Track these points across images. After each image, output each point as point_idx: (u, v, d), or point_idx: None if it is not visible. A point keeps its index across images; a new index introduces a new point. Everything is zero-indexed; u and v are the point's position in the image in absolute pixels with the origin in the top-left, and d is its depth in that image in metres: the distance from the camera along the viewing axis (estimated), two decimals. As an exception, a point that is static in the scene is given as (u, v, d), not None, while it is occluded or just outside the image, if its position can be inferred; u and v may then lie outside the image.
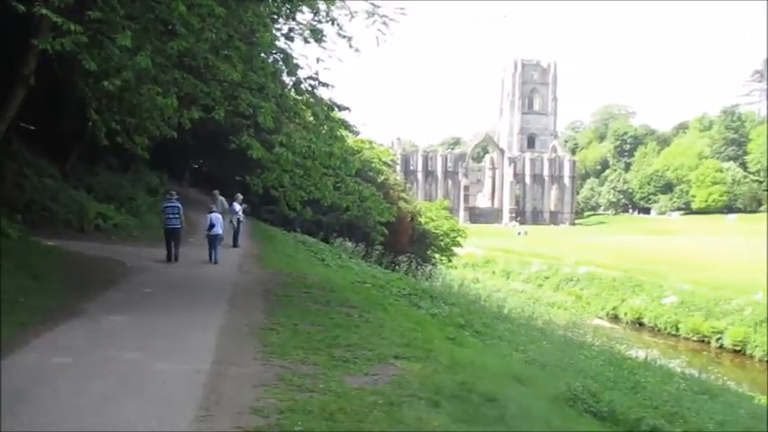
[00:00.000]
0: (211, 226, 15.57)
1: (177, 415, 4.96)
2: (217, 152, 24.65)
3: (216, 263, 15.36)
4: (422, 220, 34.27)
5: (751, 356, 28.57)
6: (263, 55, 12.27)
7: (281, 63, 12.49)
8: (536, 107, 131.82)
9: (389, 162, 39.03)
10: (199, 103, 12.94)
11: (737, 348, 29.21)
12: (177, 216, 15.07)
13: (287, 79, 12.84)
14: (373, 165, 29.88)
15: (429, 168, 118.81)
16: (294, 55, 12.22)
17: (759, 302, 30.90)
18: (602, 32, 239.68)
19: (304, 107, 13.37)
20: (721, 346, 30.08)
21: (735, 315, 30.74)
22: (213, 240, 15.52)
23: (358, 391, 5.72)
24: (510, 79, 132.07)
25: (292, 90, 12.92)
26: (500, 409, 5.71)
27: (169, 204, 15.32)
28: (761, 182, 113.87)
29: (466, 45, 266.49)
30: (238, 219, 18.49)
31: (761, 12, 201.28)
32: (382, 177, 29.89)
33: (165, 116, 13.15)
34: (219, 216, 16.16)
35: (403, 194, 32.94)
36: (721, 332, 30.29)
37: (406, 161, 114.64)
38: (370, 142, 33.56)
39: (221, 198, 19.23)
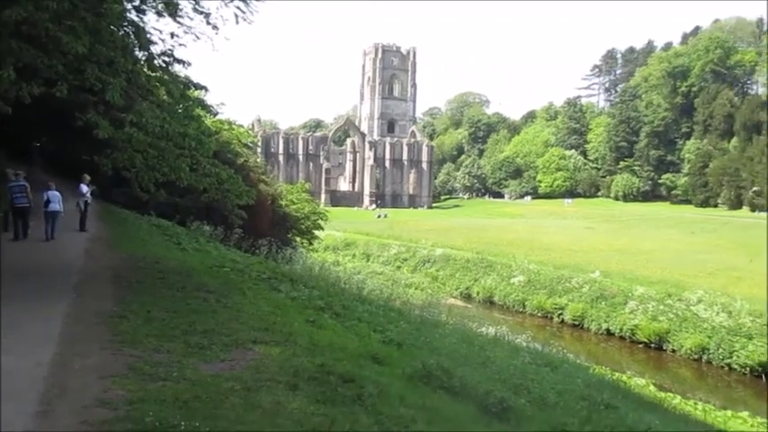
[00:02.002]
0: (47, 202, 15.35)
1: (16, 411, 4.61)
2: (62, 130, 22.95)
3: (52, 239, 15.13)
4: (283, 202, 33.91)
5: (588, 330, 31.05)
6: (112, 27, 11.52)
7: (132, 37, 11.78)
8: (396, 93, 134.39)
9: (249, 144, 38.23)
10: (40, 76, 11.95)
11: (576, 323, 31.65)
12: (24, 195, 15.00)
13: (139, 54, 12.16)
14: (232, 146, 29.11)
15: (290, 151, 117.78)
16: (147, 29, 11.59)
17: (595, 280, 33.61)
18: (460, 22, 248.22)
19: (158, 84, 12.74)
20: (562, 321, 32.46)
21: (574, 292, 33.25)
22: (49, 217, 15.29)
23: (214, 378, 5.60)
24: (371, 64, 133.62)
25: (145, 66, 12.26)
26: (357, 389, 5.81)
27: (15, 184, 15.20)
28: (599, 169, 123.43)
29: (328, 27, 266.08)
30: (86, 201, 17.36)
31: (603, 9, 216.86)
32: (242, 159, 29.19)
33: (1, 90, 12.03)
34: (57, 193, 15.77)
35: (263, 177, 32.38)
36: (563, 308, 32.68)
37: (266, 143, 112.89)
38: (230, 123, 32.61)
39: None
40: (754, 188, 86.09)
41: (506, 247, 46.64)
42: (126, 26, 11.65)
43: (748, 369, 24.06)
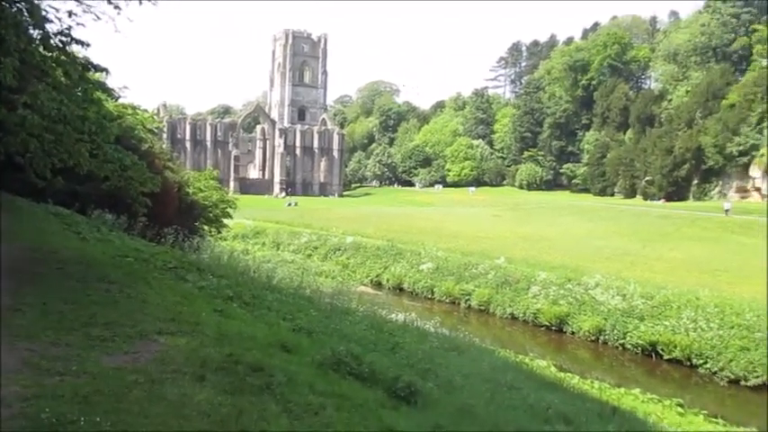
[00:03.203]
0: None
1: None
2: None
3: None
4: (190, 190, 32.97)
5: (493, 314, 32.03)
6: (3, 4, 10.83)
7: (25, 14, 11.13)
8: (307, 80, 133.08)
9: (155, 129, 36.86)
10: None
11: (482, 308, 32.58)
12: None
13: (33, 33, 11.49)
14: (136, 132, 28.00)
15: (198, 137, 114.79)
16: (43, 6, 10.96)
17: (501, 266, 34.68)
18: (372, 10, 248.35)
19: (54, 65, 12.09)
20: (469, 307, 33.32)
21: (480, 278, 34.18)
22: None
23: (116, 371, 5.42)
24: (281, 50, 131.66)
25: (40, 46, 11.60)
26: (266, 377, 5.79)
27: None
28: (504, 158, 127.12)
29: (237, 12, 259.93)
30: (-27, 188, 16.34)
31: (510, 2, 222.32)
32: (146, 145, 28.14)
33: None
34: None
35: (169, 164, 31.37)
36: (469, 294, 33.54)
37: (173, 129, 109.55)
38: (134, 108, 31.33)
39: None
40: (647, 178, 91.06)
41: (416, 235, 47.34)
42: (19, 3, 10.99)
43: (640, 349, 25.54)
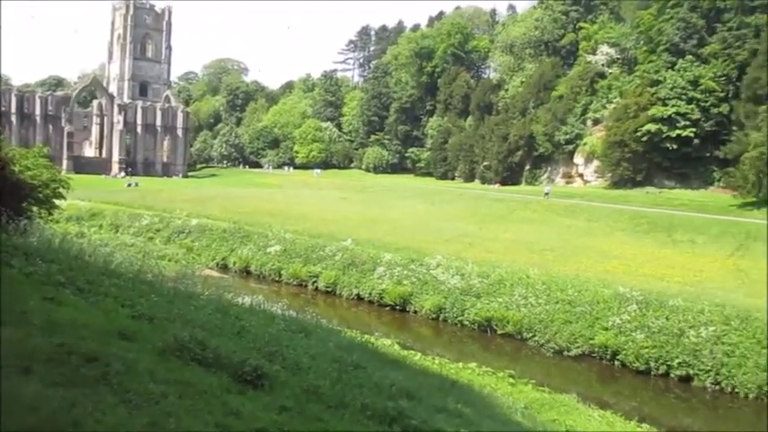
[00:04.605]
0: None
1: None
2: None
3: None
4: (16, 168, 30.20)
5: (340, 295, 32.53)
6: None
7: None
8: (149, 54, 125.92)
9: (-29, 100, 33.39)
10: None
11: (330, 289, 32.96)
12: None
13: None
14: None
15: (25, 111, 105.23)
16: None
17: (348, 248, 35.21)
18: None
19: None
20: (317, 289, 33.59)
21: (328, 260, 34.53)
22: None
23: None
24: (121, 21, 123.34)
25: None
26: (102, 367, 5.52)
27: None
28: (352, 141, 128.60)
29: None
30: None
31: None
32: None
33: None
34: None
35: (-11, 139, 28.58)
36: (317, 276, 33.79)
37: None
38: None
39: None
40: (485, 163, 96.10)
41: (264, 217, 46.81)
42: None
43: (476, 325, 27.12)
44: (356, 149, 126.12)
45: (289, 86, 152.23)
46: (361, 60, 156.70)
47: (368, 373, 10.22)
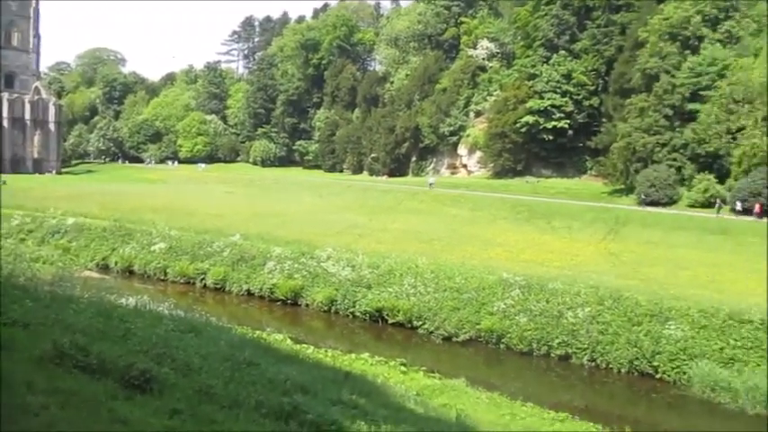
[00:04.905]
0: None
1: None
2: None
3: None
4: None
5: (230, 292, 31.91)
6: None
7: None
8: (15, 42, 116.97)
9: None
10: None
11: (218, 286, 32.25)
12: None
13: None
14: None
15: None
16: None
17: (236, 243, 34.56)
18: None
19: None
20: (205, 286, 32.76)
21: (216, 256, 33.76)
22: None
23: None
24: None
25: None
26: (-27, 381, 5.18)
27: None
28: (238, 134, 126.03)
29: None
30: None
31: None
32: None
33: None
34: None
35: None
36: (205, 273, 32.95)
37: None
38: None
39: None
40: (372, 155, 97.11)
41: (147, 214, 45.00)
42: None
43: (368, 315, 27.45)
44: (243, 143, 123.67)
45: (170, 78, 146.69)
46: (246, 52, 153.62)
47: (261, 370, 10.16)
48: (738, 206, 48.72)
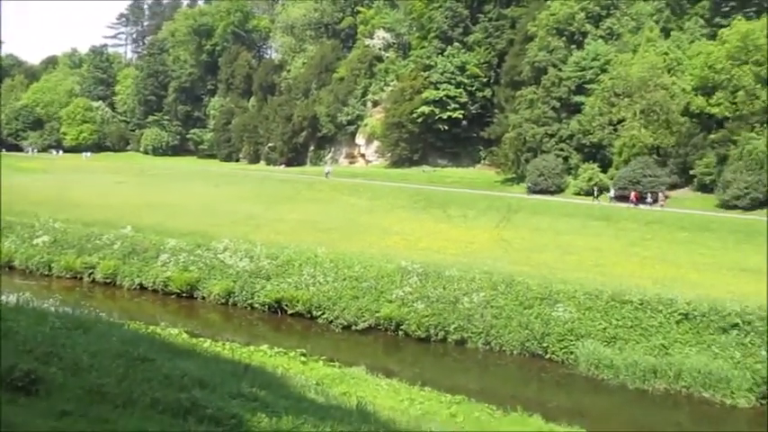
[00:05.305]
0: None
1: None
2: None
3: None
4: None
5: (121, 286, 30.71)
6: None
7: None
8: None
9: None
10: None
11: (109, 280, 30.98)
12: None
13: None
14: None
15: None
16: None
17: (127, 236, 33.25)
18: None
19: None
20: (94, 281, 31.36)
21: (106, 249, 32.40)
22: None
23: None
24: None
25: None
26: None
27: None
28: (128, 122, 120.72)
29: None
30: None
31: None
32: None
33: None
34: None
35: None
36: (94, 267, 31.54)
37: None
38: None
39: None
40: (270, 144, 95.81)
41: (27, 206, 42.36)
42: None
43: (267, 306, 27.22)
44: (132, 131, 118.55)
45: (51, 62, 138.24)
46: (135, 36, 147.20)
47: (157, 366, 9.87)
48: (612, 193, 52.30)
